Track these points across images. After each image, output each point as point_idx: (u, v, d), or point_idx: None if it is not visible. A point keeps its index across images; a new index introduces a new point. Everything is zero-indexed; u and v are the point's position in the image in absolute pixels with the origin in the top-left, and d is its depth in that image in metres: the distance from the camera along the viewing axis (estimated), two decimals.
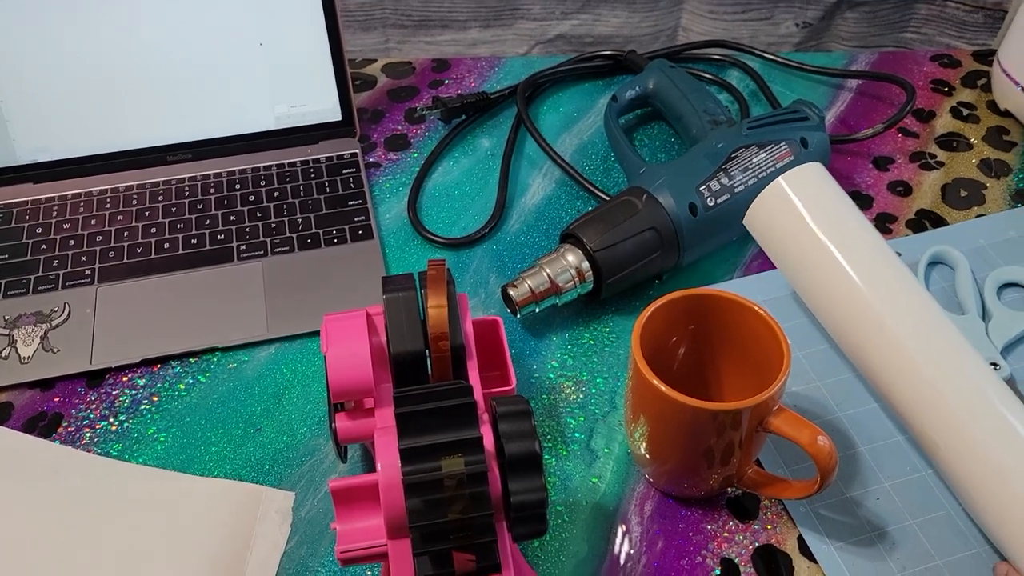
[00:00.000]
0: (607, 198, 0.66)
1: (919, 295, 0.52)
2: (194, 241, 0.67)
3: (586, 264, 0.60)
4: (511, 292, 0.59)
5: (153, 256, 0.66)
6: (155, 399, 0.58)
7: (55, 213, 0.68)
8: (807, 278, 0.55)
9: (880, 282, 0.53)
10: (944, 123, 0.78)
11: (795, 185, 0.55)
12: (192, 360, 0.60)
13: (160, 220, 0.68)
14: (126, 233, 0.67)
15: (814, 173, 0.55)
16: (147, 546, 0.51)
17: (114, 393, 0.59)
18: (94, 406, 0.58)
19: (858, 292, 0.53)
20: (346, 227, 0.68)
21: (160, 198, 0.70)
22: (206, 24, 0.69)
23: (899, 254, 0.65)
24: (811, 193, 0.55)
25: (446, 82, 0.83)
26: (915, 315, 0.52)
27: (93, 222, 0.68)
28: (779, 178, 0.55)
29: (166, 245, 0.66)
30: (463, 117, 0.78)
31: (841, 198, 0.55)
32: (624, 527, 0.52)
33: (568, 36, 0.97)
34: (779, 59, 0.82)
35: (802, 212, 0.54)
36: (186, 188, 0.70)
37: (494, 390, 0.52)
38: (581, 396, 0.58)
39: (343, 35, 0.71)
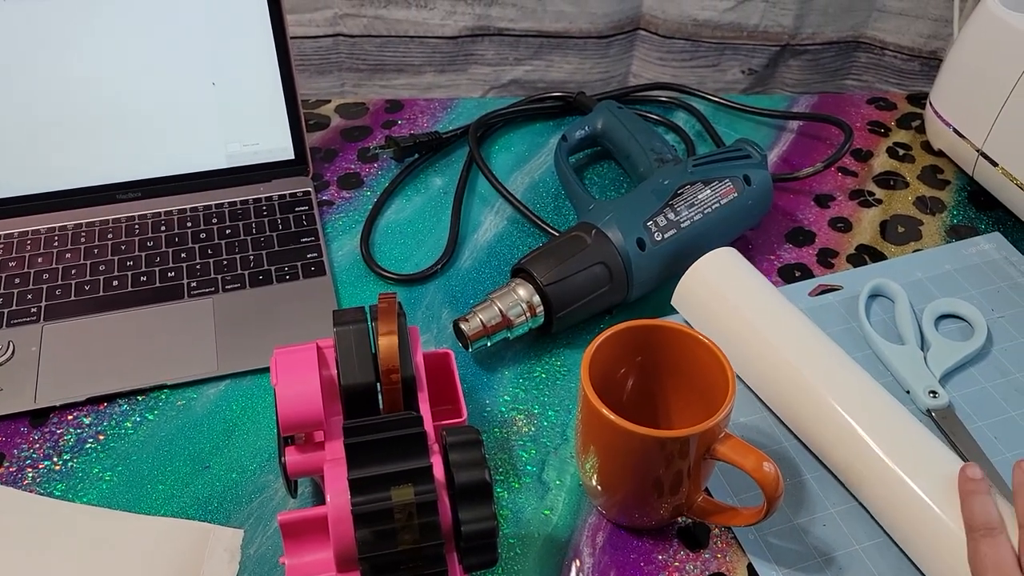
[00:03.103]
0: (557, 234, 0.67)
1: (832, 351, 0.57)
2: (143, 278, 0.66)
3: (537, 298, 0.61)
4: (463, 326, 0.60)
5: (101, 293, 0.65)
6: (101, 438, 0.57)
7: (1, 251, 0.68)
8: (732, 347, 0.59)
9: (795, 340, 0.58)
10: (881, 162, 0.81)
11: (711, 265, 0.61)
12: (140, 398, 0.60)
13: (109, 257, 0.67)
14: (74, 271, 0.66)
15: (728, 255, 0.62)
16: None
17: (58, 432, 0.57)
18: (37, 445, 0.57)
19: (774, 351, 0.58)
20: (298, 264, 0.68)
21: (109, 236, 0.69)
22: (159, 63, 0.69)
23: (841, 287, 0.68)
24: (727, 271, 0.61)
25: (399, 122, 0.84)
26: (828, 366, 0.56)
27: (40, 260, 0.67)
28: (697, 261, 0.61)
29: (115, 282, 0.66)
30: (416, 156, 0.79)
31: (753, 274, 0.61)
32: (576, 559, 0.52)
33: (521, 81, 0.99)
34: (723, 101, 0.85)
35: (720, 288, 0.61)
36: (136, 226, 0.70)
37: (445, 422, 0.52)
38: (533, 429, 0.59)
39: (296, 76, 0.72)
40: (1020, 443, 0.57)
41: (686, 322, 0.63)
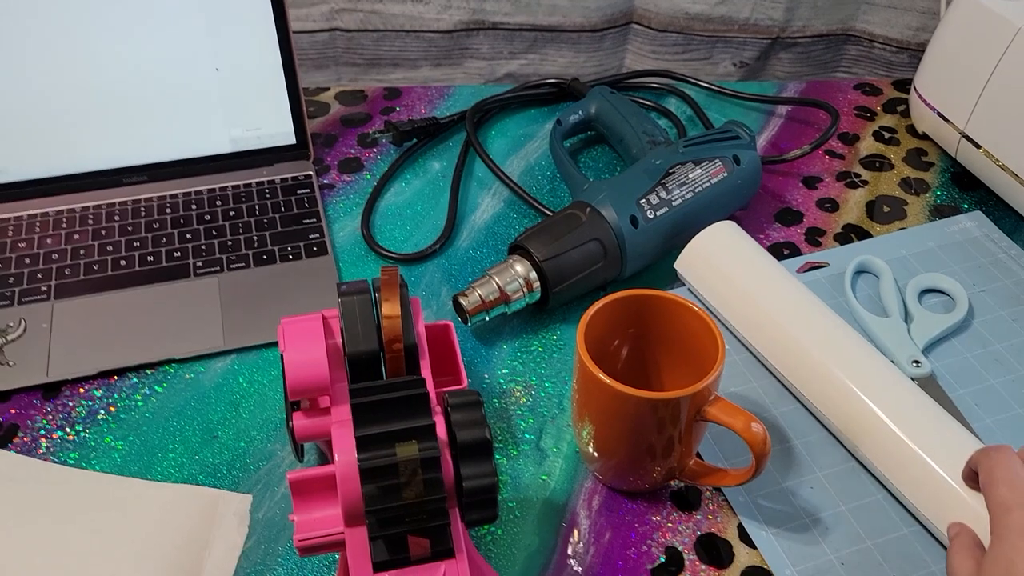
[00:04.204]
0: (552, 213, 0.69)
1: (829, 317, 0.60)
2: (150, 258, 0.68)
3: (534, 274, 0.63)
4: (462, 301, 0.62)
5: (110, 273, 0.67)
6: (112, 410, 0.59)
7: (11, 233, 0.69)
8: (736, 311, 0.63)
9: (794, 307, 0.60)
10: (867, 145, 0.83)
11: (713, 237, 0.65)
12: (149, 372, 0.62)
13: (117, 239, 0.69)
14: (82, 251, 0.68)
15: (733, 226, 0.65)
16: (103, 550, 0.51)
17: (70, 404, 0.59)
18: (50, 417, 0.58)
19: (777, 316, 0.60)
20: (301, 244, 0.70)
21: (117, 218, 0.71)
22: (163, 49, 0.71)
23: (828, 264, 0.70)
24: (733, 241, 0.65)
25: (397, 109, 0.86)
26: (826, 331, 0.59)
27: (49, 241, 0.69)
28: (704, 230, 0.65)
29: (123, 262, 0.68)
30: (414, 141, 0.81)
31: (753, 245, 0.64)
32: (573, 521, 0.54)
33: (516, 75, 1.00)
34: (713, 87, 0.87)
35: (727, 255, 0.64)
36: (142, 208, 0.72)
37: (448, 388, 0.54)
38: (530, 399, 0.61)
39: (297, 62, 0.74)
40: (999, 409, 0.59)
41: (692, 291, 0.66)
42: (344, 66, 0.98)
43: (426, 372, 0.50)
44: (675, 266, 0.66)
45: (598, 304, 0.52)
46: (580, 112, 0.79)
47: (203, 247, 0.69)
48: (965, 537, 0.47)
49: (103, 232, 0.70)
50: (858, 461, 0.56)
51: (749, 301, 0.62)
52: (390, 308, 0.49)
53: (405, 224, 0.74)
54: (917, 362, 0.61)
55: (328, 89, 0.89)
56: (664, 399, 0.48)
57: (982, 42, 0.73)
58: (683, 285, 0.68)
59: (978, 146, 0.74)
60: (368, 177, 0.78)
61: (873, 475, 0.56)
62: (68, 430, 0.58)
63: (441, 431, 0.45)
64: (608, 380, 0.48)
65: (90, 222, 0.71)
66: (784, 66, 1.01)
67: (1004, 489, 0.44)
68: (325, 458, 0.56)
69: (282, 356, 0.48)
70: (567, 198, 0.76)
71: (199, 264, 0.68)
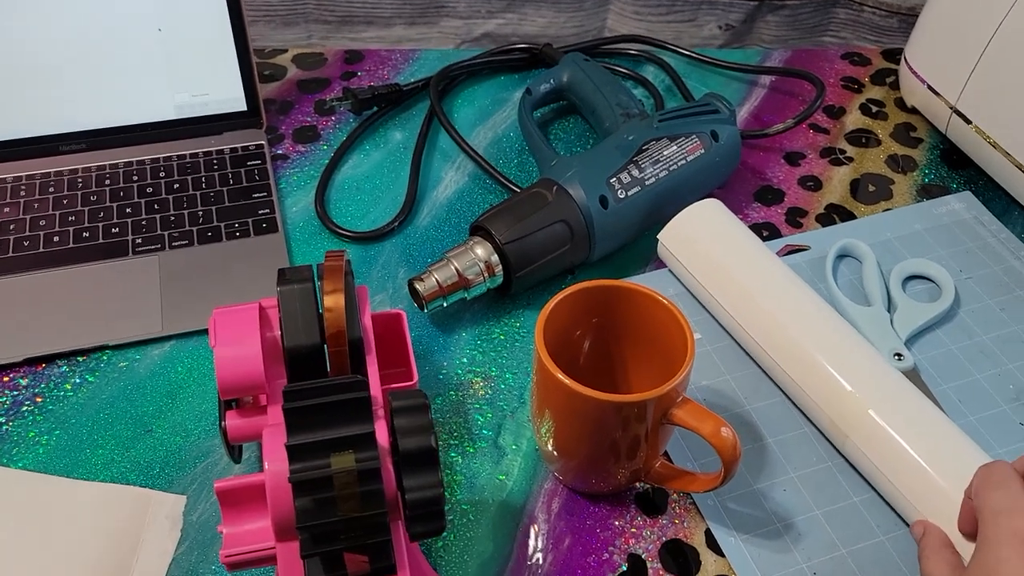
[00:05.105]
0: (518, 191, 0.64)
1: (816, 302, 0.56)
2: (86, 234, 0.63)
3: (495, 257, 0.59)
4: (418, 286, 0.58)
5: (41, 250, 0.62)
6: (38, 400, 0.55)
7: None
8: (717, 292, 0.59)
9: (780, 292, 0.57)
10: (854, 119, 0.79)
11: (697, 215, 0.61)
12: (80, 359, 0.57)
13: (50, 212, 0.65)
14: (12, 226, 0.63)
15: (718, 205, 0.62)
16: (23, 554, 0.48)
17: None
18: None
19: (762, 300, 0.57)
20: (249, 220, 0.65)
21: (51, 189, 0.66)
22: (101, 7, 0.66)
23: (809, 247, 0.66)
24: (712, 220, 0.61)
25: (359, 74, 0.81)
26: (812, 318, 0.56)
27: None
28: (685, 210, 0.61)
29: (55, 238, 0.63)
30: (375, 109, 0.76)
31: (737, 224, 0.61)
32: (531, 525, 0.50)
33: (494, 35, 0.96)
34: (693, 55, 0.82)
35: (711, 234, 0.60)
36: (79, 179, 0.67)
37: (395, 386, 0.50)
38: (490, 392, 0.57)
39: (247, 22, 0.69)
40: (984, 406, 0.56)
41: (672, 269, 0.63)
42: (315, 23, 0.93)
43: (372, 368, 0.46)
44: (658, 236, 0.62)
45: (559, 296, 0.48)
46: (551, 81, 0.74)
47: (143, 222, 0.64)
48: (933, 539, 0.45)
49: (35, 205, 0.65)
50: (835, 461, 0.53)
51: (734, 282, 0.58)
52: (333, 300, 0.45)
53: (363, 199, 0.69)
54: (899, 355, 0.58)
55: (285, 51, 0.83)
56: (628, 402, 0.44)
57: (976, 12, 0.69)
58: (656, 268, 0.64)
59: (969, 122, 0.70)
60: (325, 148, 0.74)
61: (850, 477, 0.52)
62: None
63: (383, 438, 0.41)
64: (568, 381, 0.44)
65: (21, 194, 0.66)
66: (771, 29, 0.97)
67: (998, 494, 0.41)
68: None
69: (213, 351, 0.44)
70: (536, 173, 0.72)
71: (138, 241, 0.63)
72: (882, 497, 0.51)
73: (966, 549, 0.45)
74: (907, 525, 0.50)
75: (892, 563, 0.49)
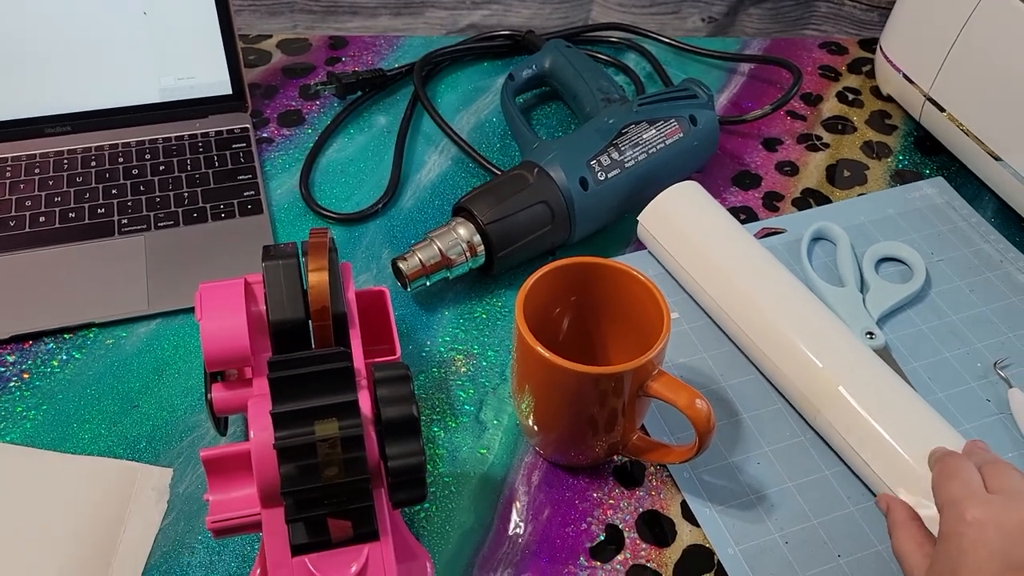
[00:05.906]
0: (500, 173, 0.65)
1: (793, 283, 0.58)
2: (72, 215, 0.64)
3: (477, 238, 0.60)
4: (401, 265, 0.59)
5: (28, 230, 0.63)
6: (25, 376, 0.56)
7: None
8: (696, 272, 0.60)
9: (756, 273, 0.58)
10: (831, 107, 0.80)
11: (677, 196, 0.62)
12: (67, 336, 0.58)
13: (36, 193, 0.65)
14: None
15: (692, 187, 0.63)
16: (11, 526, 0.48)
17: None
18: None
19: (739, 280, 0.58)
20: (234, 202, 0.66)
21: (36, 171, 0.67)
22: None
23: (785, 230, 0.67)
24: (691, 201, 0.62)
25: (343, 59, 0.82)
26: (787, 298, 0.57)
27: None
28: (664, 191, 0.62)
29: (42, 219, 0.63)
30: (359, 94, 0.77)
31: (716, 206, 0.62)
32: (512, 497, 0.52)
33: (479, 26, 0.96)
34: (673, 42, 0.84)
35: (690, 215, 0.62)
36: (65, 161, 0.67)
37: (378, 360, 0.51)
38: (471, 369, 0.58)
39: (232, 5, 0.69)
40: (953, 383, 0.58)
41: (651, 250, 0.64)
42: (300, 13, 0.93)
43: (355, 342, 0.47)
44: (638, 217, 0.63)
45: (539, 272, 0.50)
46: (534, 66, 0.75)
47: (129, 204, 0.65)
48: (898, 513, 0.46)
49: (21, 186, 0.65)
50: (807, 436, 0.55)
51: (711, 262, 0.59)
52: (317, 276, 0.46)
53: (347, 182, 0.70)
54: (871, 334, 0.59)
55: (270, 36, 0.84)
56: (605, 374, 0.46)
57: (950, 3, 0.70)
58: (635, 250, 0.66)
59: (943, 110, 0.72)
60: (309, 131, 0.74)
61: (821, 451, 0.54)
62: None
63: (366, 407, 0.42)
64: (547, 354, 0.46)
65: (8, 175, 0.66)
66: (753, 22, 0.99)
67: (952, 483, 0.43)
68: None
69: (199, 324, 0.45)
70: (518, 157, 0.73)
71: (124, 222, 0.64)
72: (851, 470, 0.53)
73: (931, 522, 0.46)
74: (875, 496, 0.51)
75: (861, 532, 0.50)
